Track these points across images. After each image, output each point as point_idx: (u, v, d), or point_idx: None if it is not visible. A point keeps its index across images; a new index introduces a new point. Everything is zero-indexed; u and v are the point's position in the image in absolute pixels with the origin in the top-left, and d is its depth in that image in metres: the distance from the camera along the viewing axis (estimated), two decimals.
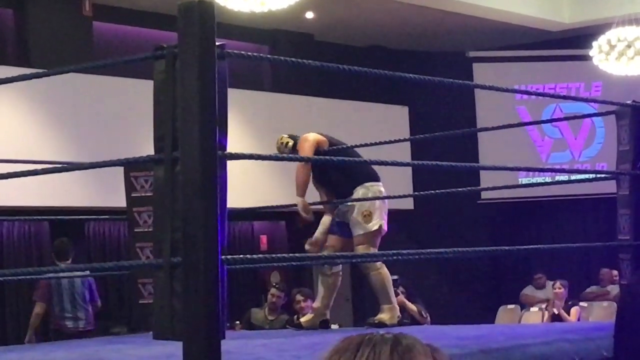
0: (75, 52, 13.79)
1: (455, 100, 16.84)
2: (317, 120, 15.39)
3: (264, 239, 16.46)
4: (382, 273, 7.99)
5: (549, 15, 15.99)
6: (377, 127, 15.43)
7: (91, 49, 14.31)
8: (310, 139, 8.01)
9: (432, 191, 8.74)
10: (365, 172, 7.87)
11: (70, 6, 14.32)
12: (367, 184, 7.83)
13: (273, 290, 11.40)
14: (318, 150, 7.91)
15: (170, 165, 3.87)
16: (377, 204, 7.87)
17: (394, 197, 9.42)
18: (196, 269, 3.54)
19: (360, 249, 7.79)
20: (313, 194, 8.50)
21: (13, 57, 14.08)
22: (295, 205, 8.10)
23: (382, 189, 7.99)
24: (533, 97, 17.06)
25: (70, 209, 12.85)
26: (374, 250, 7.77)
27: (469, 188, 14.34)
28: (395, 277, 11.37)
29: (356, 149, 8.40)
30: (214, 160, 3.63)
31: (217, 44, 3.76)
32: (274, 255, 5.36)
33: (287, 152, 8.07)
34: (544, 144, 18.09)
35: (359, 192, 7.84)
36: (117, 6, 14.90)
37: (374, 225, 7.87)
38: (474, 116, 17.22)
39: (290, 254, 6.75)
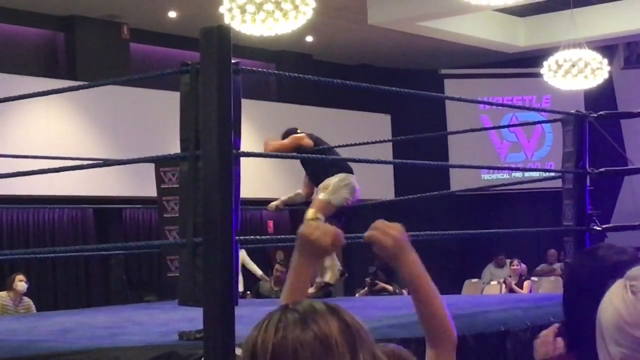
0: (115, 68, 13.79)
1: (430, 110, 16.83)
2: (314, 126, 15.36)
3: (270, 223, 16.46)
4: None
5: (507, 39, 15.99)
6: (364, 132, 15.41)
7: (128, 66, 14.32)
8: (296, 136, 7.86)
9: (412, 195, 8.74)
10: (339, 166, 7.67)
11: (111, 30, 14.33)
12: (339, 174, 7.62)
13: (277, 266, 11.43)
14: (303, 148, 7.69)
15: (193, 162, 3.87)
16: (339, 184, 7.60)
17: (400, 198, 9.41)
18: (214, 247, 3.54)
19: (309, 212, 7.46)
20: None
21: (63, 71, 14.07)
22: None
23: (352, 179, 7.73)
24: (494, 107, 17.08)
25: (111, 198, 12.85)
26: (321, 217, 7.32)
27: (442, 192, 14.33)
28: (372, 268, 11.39)
29: (347, 149, 8.38)
30: (229, 157, 3.63)
31: (232, 61, 3.76)
32: (278, 237, 5.35)
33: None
34: (503, 147, 18.10)
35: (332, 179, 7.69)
36: (150, 30, 14.89)
37: (326, 196, 7.52)
38: (444, 124, 17.23)
39: (293, 235, 6.70)
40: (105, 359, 3.55)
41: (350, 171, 7.74)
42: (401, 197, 17.00)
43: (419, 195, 10.63)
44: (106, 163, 6.13)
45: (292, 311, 1.59)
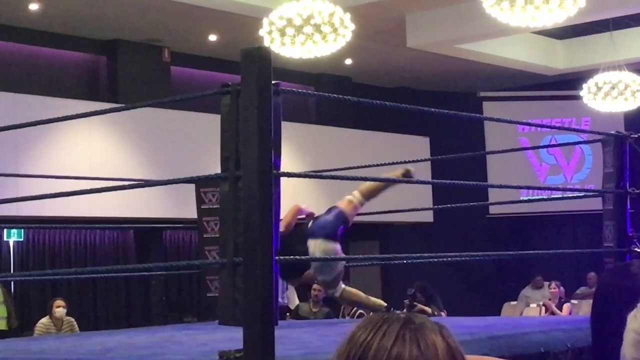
0: (156, 91, 13.90)
1: (468, 133, 16.78)
2: (352, 148, 15.41)
3: None
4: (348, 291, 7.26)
5: (546, 61, 15.94)
6: (402, 154, 15.37)
7: (169, 89, 14.43)
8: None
9: (449, 205, 8.72)
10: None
11: (152, 53, 14.45)
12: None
13: (315, 286, 11.40)
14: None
15: (233, 182, 3.88)
16: None
17: (417, 209, 9.37)
18: (254, 267, 3.53)
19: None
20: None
21: (105, 95, 14.19)
22: None
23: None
24: (533, 129, 17.01)
25: (151, 219, 12.92)
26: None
27: (478, 203, 14.28)
28: (410, 290, 11.35)
29: (385, 170, 8.31)
30: (269, 178, 3.63)
31: (272, 82, 3.77)
32: (317, 257, 5.35)
33: None
34: (542, 169, 18.00)
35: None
36: (191, 53, 15.00)
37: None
38: (483, 147, 17.17)
39: (328, 256, 6.70)
40: None
41: None
42: (439, 219, 17.00)
43: (456, 217, 10.60)
44: (148, 184, 6.16)
45: (409, 325, 1.60)
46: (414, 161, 10.33)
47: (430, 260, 11.11)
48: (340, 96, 5.03)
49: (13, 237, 13.24)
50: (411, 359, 1.55)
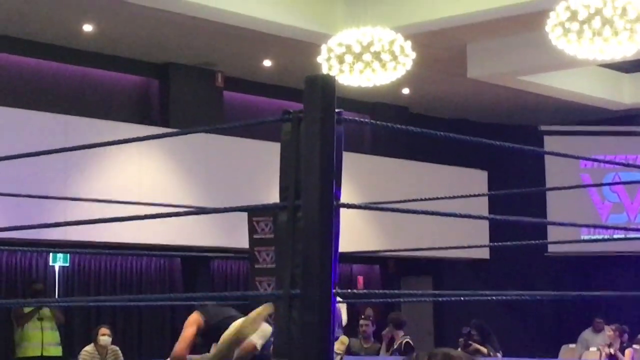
0: (208, 116, 14.00)
1: (528, 168, 16.68)
2: (408, 180, 15.38)
3: (360, 279, 16.42)
4: None
5: (612, 96, 15.83)
6: (459, 188, 15.34)
7: (222, 114, 14.51)
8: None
9: (506, 243, 8.65)
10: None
11: (205, 78, 14.55)
12: None
13: (362, 321, 11.38)
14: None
15: (292, 212, 3.87)
16: None
17: (475, 246, 9.32)
18: (312, 300, 3.52)
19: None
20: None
21: (156, 119, 14.31)
22: (389, 250, 7.99)
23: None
24: (595, 165, 16.85)
25: (199, 247, 12.97)
26: None
27: (537, 241, 14.16)
28: (465, 329, 11.29)
29: (440, 203, 8.20)
30: (330, 208, 3.63)
31: (336, 110, 3.78)
32: (379, 292, 5.32)
33: None
34: (604, 207, 17.80)
35: None
36: (245, 79, 15.09)
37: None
38: (543, 182, 17.05)
39: (385, 291, 6.66)
40: None
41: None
42: (496, 257, 16.88)
43: (513, 255, 10.50)
44: (202, 211, 6.20)
45: (435, 357, 1.59)
46: (471, 196, 10.31)
47: (486, 298, 11.05)
48: (402, 126, 5.02)
49: (59, 261, 13.36)
50: None
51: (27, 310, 11.69)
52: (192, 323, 6.61)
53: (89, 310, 13.35)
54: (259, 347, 6.09)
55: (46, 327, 11.84)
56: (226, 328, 6.28)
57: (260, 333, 6.12)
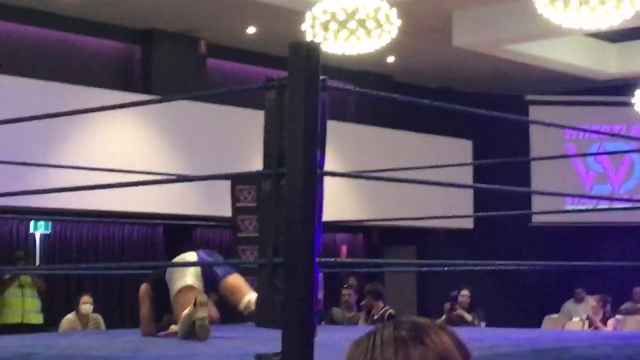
0: (191, 84, 13.94)
1: (513, 137, 16.71)
2: (392, 149, 15.39)
3: (344, 249, 16.45)
4: None
5: (598, 65, 15.83)
6: (444, 157, 15.38)
7: (205, 82, 14.46)
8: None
9: (490, 212, 8.68)
10: None
11: (188, 45, 14.49)
12: None
13: (344, 291, 11.42)
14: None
15: (276, 180, 3.87)
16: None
17: (458, 216, 9.34)
18: (295, 268, 3.53)
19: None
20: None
21: (139, 86, 14.26)
22: (373, 220, 8.00)
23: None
24: (580, 136, 16.91)
25: (182, 216, 12.96)
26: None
27: (521, 211, 14.22)
28: (454, 292, 11.32)
29: (425, 173, 8.20)
30: (314, 176, 3.63)
31: (320, 77, 3.77)
32: (363, 260, 5.33)
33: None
34: (588, 177, 17.88)
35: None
36: (228, 46, 15.03)
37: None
38: (528, 152, 17.09)
39: (369, 259, 6.67)
40: None
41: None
42: (480, 226, 16.93)
43: (497, 224, 10.49)
44: (184, 179, 6.20)
45: (401, 328, 1.56)
46: (456, 165, 10.36)
47: (470, 268, 11.10)
48: (386, 94, 5.03)
49: (40, 229, 13.34)
50: (422, 357, 1.51)
51: (6, 277, 11.69)
52: (143, 297, 6.66)
53: (71, 279, 13.35)
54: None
55: (27, 294, 11.85)
56: (166, 285, 6.35)
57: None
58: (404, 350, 1.51)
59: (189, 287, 6.15)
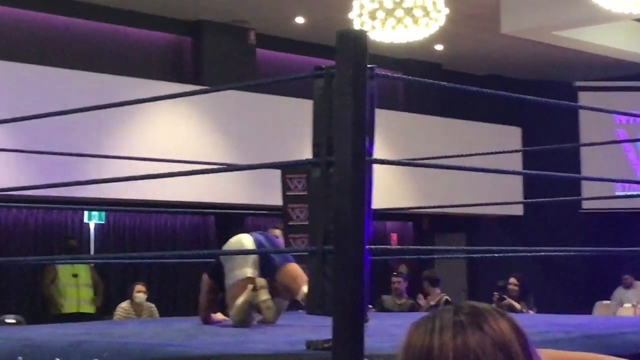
0: (241, 73, 13.99)
1: (563, 124, 16.56)
2: (442, 137, 15.33)
3: (394, 236, 16.42)
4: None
5: None
6: (493, 144, 15.26)
7: (254, 72, 14.50)
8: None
9: (540, 199, 8.61)
10: None
11: (238, 35, 14.54)
12: None
13: (394, 278, 11.39)
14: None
15: (325, 168, 3.87)
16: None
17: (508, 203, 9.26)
18: (346, 255, 3.53)
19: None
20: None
21: (189, 76, 14.33)
22: (423, 207, 7.99)
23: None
24: (631, 121, 16.72)
25: (232, 205, 13.01)
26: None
27: (571, 197, 14.11)
28: (501, 282, 11.24)
29: (474, 160, 8.15)
30: (363, 164, 3.62)
31: (368, 66, 3.76)
32: (412, 247, 5.31)
33: None
34: (639, 163, 17.68)
35: None
36: (277, 36, 15.06)
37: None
38: (577, 139, 16.94)
39: (419, 247, 6.64)
40: None
41: None
42: (530, 213, 16.82)
43: (547, 211, 10.40)
44: (236, 168, 6.21)
45: (460, 312, 1.56)
46: (505, 152, 10.28)
47: (520, 254, 11.02)
48: (435, 82, 5.00)
49: (94, 219, 13.46)
50: (478, 344, 1.51)
51: (60, 266, 11.81)
52: (203, 286, 6.67)
53: (125, 268, 13.46)
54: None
55: (81, 284, 11.97)
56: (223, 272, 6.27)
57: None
58: (462, 335, 1.51)
59: (249, 279, 6.01)
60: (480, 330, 1.52)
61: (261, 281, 5.83)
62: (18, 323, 10.34)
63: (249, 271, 6.07)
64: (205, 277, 6.68)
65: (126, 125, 12.45)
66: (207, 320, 6.48)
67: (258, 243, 6.38)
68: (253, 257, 6.25)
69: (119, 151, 11.57)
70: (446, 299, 10.52)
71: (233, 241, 6.52)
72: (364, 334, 3.43)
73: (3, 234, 13.02)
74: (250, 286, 5.86)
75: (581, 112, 17.34)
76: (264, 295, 5.77)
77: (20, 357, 4.16)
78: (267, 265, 6.19)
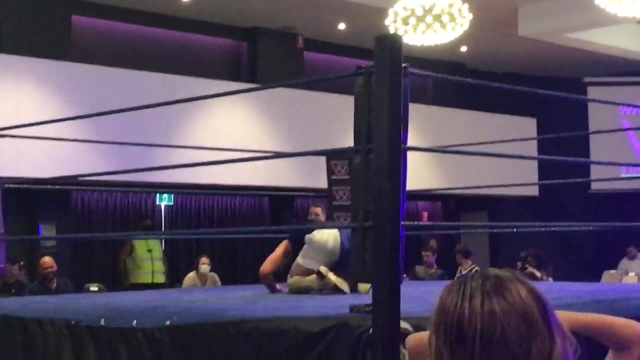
0: (290, 74, 14.00)
1: (573, 116, 16.40)
2: (465, 127, 15.23)
3: (425, 214, 16.38)
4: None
5: None
6: (511, 133, 15.15)
7: (302, 72, 14.51)
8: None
9: (553, 181, 8.51)
10: None
11: (288, 40, 14.55)
12: None
13: (423, 252, 11.39)
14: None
15: (365, 154, 3.88)
16: None
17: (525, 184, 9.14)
18: (383, 231, 3.53)
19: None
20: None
21: (246, 76, 14.36)
22: (450, 188, 7.93)
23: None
24: (635, 112, 16.53)
25: (284, 188, 13.04)
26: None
27: (580, 179, 13.98)
28: (523, 253, 11.16)
29: (495, 147, 8.09)
30: (398, 151, 3.62)
31: (402, 65, 3.75)
32: (442, 224, 5.29)
33: None
34: None
35: None
36: (322, 40, 15.04)
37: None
38: (587, 128, 16.78)
39: (447, 223, 6.61)
40: (285, 326, 3.60)
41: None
42: (544, 194, 16.70)
43: (559, 192, 10.36)
44: (288, 154, 6.23)
45: (487, 281, 1.56)
46: (522, 139, 10.21)
47: (536, 229, 10.95)
48: (460, 78, 4.98)
49: (164, 201, 13.55)
50: (502, 312, 1.51)
51: (136, 242, 11.92)
52: (281, 246, 6.59)
53: (191, 243, 13.55)
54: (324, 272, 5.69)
55: (155, 257, 12.06)
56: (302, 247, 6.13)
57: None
58: (488, 303, 1.52)
59: (317, 273, 5.68)
60: (504, 298, 1.53)
61: (324, 268, 5.60)
62: (100, 290, 10.45)
63: (323, 268, 5.70)
64: (286, 242, 6.56)
65: (192, 118, 12.51)
66: (268, 272, 6.27)
67: (342, 243, 6.07)
68: (332, 248, 6.02)
69: (185, 141, 11.63)
70: (476, 270, 10.47)
71: (317, 232, 6.17)
72: (400, 299, 3.43)
73: (88, 214, 13.16)
74: (315, 276, 5.66)
75: (590, 104, 17.16)
76: (333, 279, 5.58)
77: (103, 320, 4.21)
78: (344, 260, 5.79)
